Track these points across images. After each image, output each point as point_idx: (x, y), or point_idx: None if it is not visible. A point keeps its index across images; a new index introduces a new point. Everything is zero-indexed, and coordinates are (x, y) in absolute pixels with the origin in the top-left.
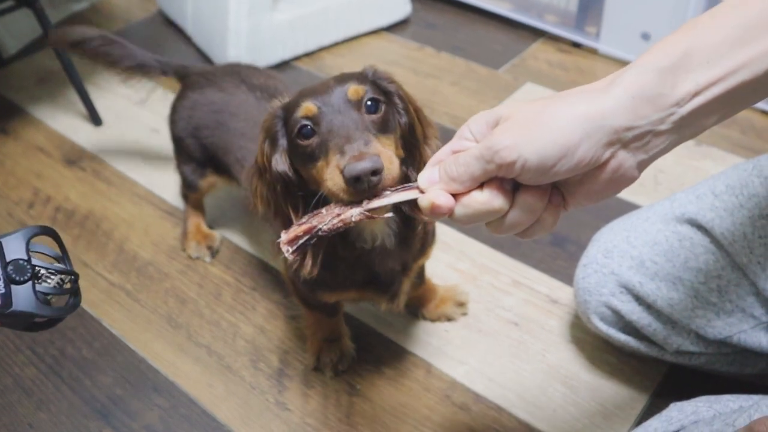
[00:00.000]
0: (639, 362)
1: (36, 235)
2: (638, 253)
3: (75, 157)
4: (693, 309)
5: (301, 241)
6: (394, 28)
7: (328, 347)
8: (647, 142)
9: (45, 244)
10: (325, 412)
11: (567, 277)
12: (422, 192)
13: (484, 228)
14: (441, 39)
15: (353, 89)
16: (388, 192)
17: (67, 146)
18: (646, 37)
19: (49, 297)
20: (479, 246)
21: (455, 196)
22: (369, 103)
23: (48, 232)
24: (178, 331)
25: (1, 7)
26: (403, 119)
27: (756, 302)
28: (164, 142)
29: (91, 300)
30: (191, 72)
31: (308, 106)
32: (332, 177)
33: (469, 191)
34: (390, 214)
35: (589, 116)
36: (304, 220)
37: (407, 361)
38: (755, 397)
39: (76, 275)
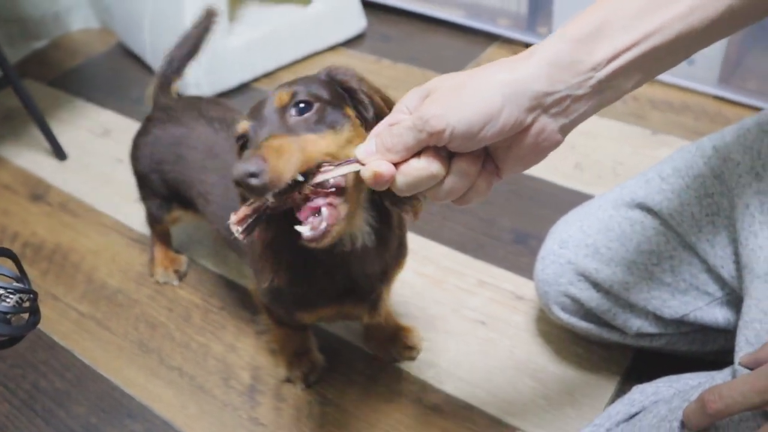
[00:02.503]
0: (605, 350)
1: None
2: (593, 240)
3: (41, 192)
4: (649, 291)
5: (250, 220)
6: (350, 43)
7: (298, 360)
8: (567, 106)
9: (3, 265)
10: (298, 425)
11: (531, 273)
12: (362, 165)
13: (448, 231)
14: (397, 50)
15: (278, 98)
16: (330, 167)
17: (32, 182)
18: None
19: (8, 316)
20: (443, 249)
21: (396, 166)
22: (300, 105)
23: (6, 253)
24: (150, 355)
25: None
26: (370, 111)
27: (709, 279)
28: (128, 172)
29: (61, 331)
30: (157, 104)
31: (242, 124)
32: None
33: (407, 160)
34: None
35: (510, 82)
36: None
37: (376, 368)
38: (713, 373)
39: (35, 293)
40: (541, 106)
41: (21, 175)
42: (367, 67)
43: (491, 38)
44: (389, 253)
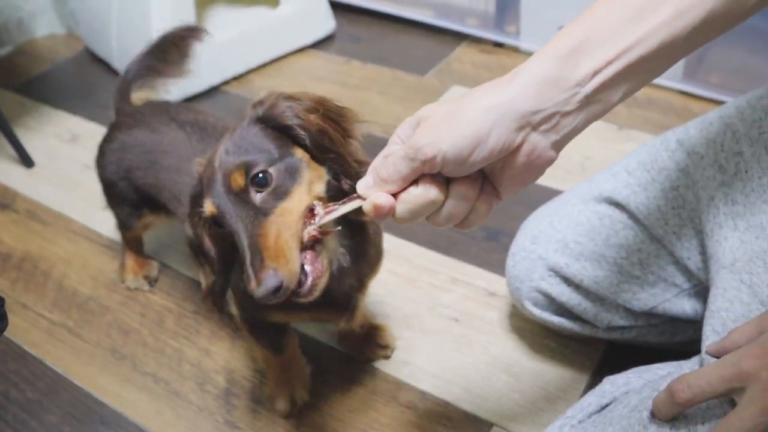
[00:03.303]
0: (578, 344)
1: None
2: (562, 235)
3: (8, 201)
4: (618, 284)
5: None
6: (320, 44)
7: (280, 391)
8: (556, 123)
9: None
10: (275, 426)
11: (503, 270)
12: (363, 199)
13: (421, 230)
14: (366, 51)
15: (233, 180)
16: (334, 207)
17: None
18: None
19: None
20: (416, 248)
21: (394, 196)
22: (257, 179)
23: None
24: (123, 362)
25: None
26: (308, 143)
27: (676, 271)
28: (97, 178)
29: (32, 341)
30: (121, 111)
31: (210, 208)
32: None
33: (406, 189)
34: (338, 228)
35: (496, 105)
36: None
37: (352, 368)
38: (681, 363)
39: (2, 299)
40: (529, 124)
41: None
42: (336, 68)
43: (460, 37)
44: (367, 265)
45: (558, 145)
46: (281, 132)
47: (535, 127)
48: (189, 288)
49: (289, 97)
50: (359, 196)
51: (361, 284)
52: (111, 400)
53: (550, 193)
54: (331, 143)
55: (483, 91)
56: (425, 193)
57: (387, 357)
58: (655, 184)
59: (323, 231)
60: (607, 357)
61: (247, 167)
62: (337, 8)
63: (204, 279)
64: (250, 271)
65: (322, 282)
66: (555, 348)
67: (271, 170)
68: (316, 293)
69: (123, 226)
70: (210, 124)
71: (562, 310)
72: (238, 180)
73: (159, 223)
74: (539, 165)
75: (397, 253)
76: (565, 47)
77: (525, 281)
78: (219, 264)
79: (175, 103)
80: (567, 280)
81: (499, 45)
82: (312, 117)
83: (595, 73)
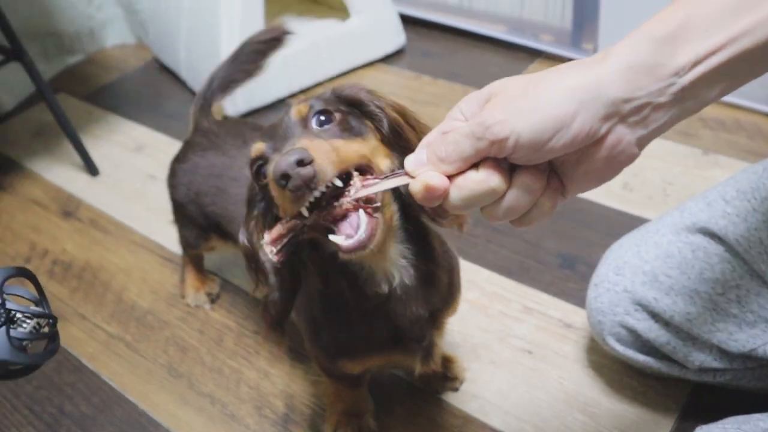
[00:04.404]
0: (662, 384)
1: (11, 276)
2: (651, 267)
3: (72, 209)
4: (713, 322)
5: (285, 240)
6: (389, 58)
7: (347, 421)
8: (646, 115)
9: (22, 286)
10: None
11: (580, 300)
12: (412, 177)
13: (491, 255)
14: (437, 66)
15: (296, 110)
16: (375, 180)
17: (63, 198)
18: None
19: (24, 343)
20: (487, 273)
21: (449, 179)
22: (319, 116)
23: (24, 273)
24: (180, 380)
25: None
26: (384, 123)
27: None
28: (161, 188)
29: (89, 353)
30: (198, 128)
31: (257, 147)
32: (273, 191)
33: (463, 172)
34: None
35: (585, 86)
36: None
37: (418, 398)
38: None
39: (54, 318)
40: (618, 114)
41: (52, 191)
42: (406, 84)
43: (534, 54)
44: (437, 294)
45: (643, 142)
46: (356, 108)
47: (623, 118)
48: (250, 306)
49: (371, 89)
50: (407, 173)
51: (434, 319)
52: (166, 420)
53: (629, 219)
54: (407, 138)
55: (569, 68)
56: (486, 179)
57: (455, 389)
58: (757, 215)
59: (358, 205)
60: (695, 400)
61: (312, 104)
62: (408, 22)
63: (258, 292)
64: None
65: (378, 236)
66: (637, 387)
67: (336, 114)
68: (371, 246)
69: (186, 243)
70: None
71: (648, 347)
72: (302, 109)
73: (225, 249)
74: (620, 162)
75: (467, 278)
76: (663, 30)
77: (608, 315)
78: (278, 280)
79: (252, 123)
80: (655, 316)
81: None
82: (390, 110)
83: (696, 64)
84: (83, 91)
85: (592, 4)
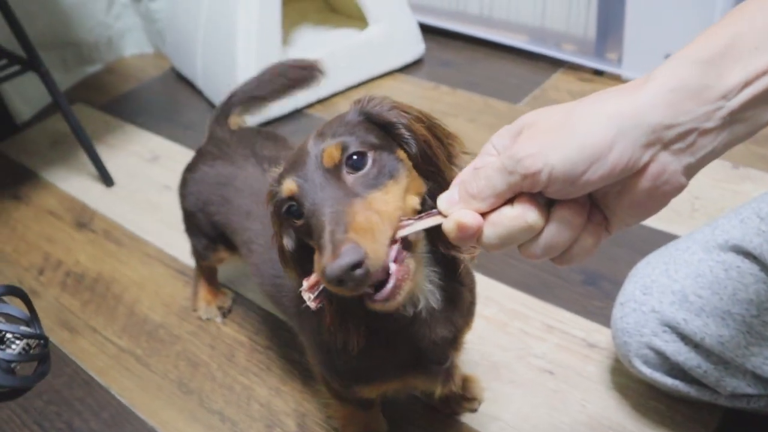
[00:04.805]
0: (691, 408)
1: (2, 295)
2: (680, 287)
3: (86, 220)
4: (747, 346)
5: (321, 287)
6: (408, 68)
7: None
8: (692, 142)
9: (13, 304)
10: None
11: (604, 318)
12: (445, 216)
13: (511, 270)
14: (456, 76)
15: (327, 155)
16: (410, 221)
17: (78, 208)
18: None
19: (12, 365)
20: (506, 289)
21: (483, 216)
22: (353, 159)
23: (15, 292)
24: (190, 397)
25: (7, 72)
26: (413, 149)
27: None
28: (175, 199)
29: (99, 367)
30: (212, 137)
31: (289, 186)
32: (321, 275)
33: (498, 209)
34: (419, 251)
35: (623, 113)
36: None
37: (435, 419)
38: None
39: (46, 339)
40: (660, 141)
41: (67, 201)
42: (424, 93)
43: (557, 64)
44: (460, 315)
45: (691, 171)
46: (384, 130)
47: (666, 145)
48: (263, 321)
49: (396, 103)
50: (440, 213)
51: (454, 339)
52: None
53: (655, 235)
54: (436, 159)
55: (607, 95)
56: (522, 215)
57: (474, 410)
58: None
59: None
60: (726, 425)
61: (344, 145)
62: (427, 32)
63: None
64: (327, 241)
65: (407, 286)
66: (664, 411)
67: (370, 155)
68: (399, 298)
69: (198, 255)
70: None
71: (677, 371)
72: (334, 154)
73: (234, 260)
74: (665, 192)
75: (486, 294)
76: (709, 51)
77: (635, 336)
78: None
79: (265, 132)
80: (685, 338)
81: (598, 73)
82: (418, 126)
83: (746, 85)
84: (100, 100)
85: (617, 12)
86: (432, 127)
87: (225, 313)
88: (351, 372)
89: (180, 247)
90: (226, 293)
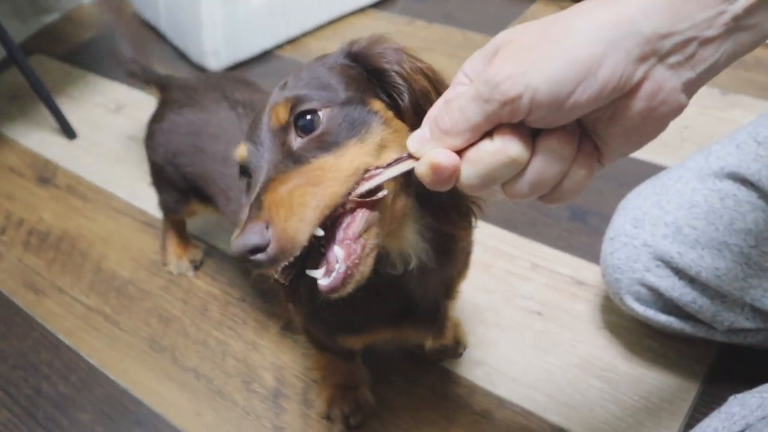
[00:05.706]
0: (685, 345)
1: None
2: (673, 218)
3: (48, 175)
4: (745, 278)
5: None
6: (381, 4)
7: (342, 395)
8: (692, 53)
9: None
10: None
11: (592, 255)
12: (417, 159)
13: (493, 207)
14: (431, 10)
15: (274, 114)
16: (379, 170)
17: (39, 164)
18: None
19: None
20: (490, 228)
21: (459, 154)
22: (305, 119)
23: None
24: (162, 354)
25: None
26: (406, 97)
27: None
28: (142, 149)
29: (67, 328)
30: (173, 84)
31: (241, 150)
32: None
33: (475, 144)
34: (383, 193)
35: (613, 22)
36: None
37: (417, 367)
38: None
39: None
40: (655, 53)
41: (28, 157)
42: (399, 29)
43: None
44: (456, 268)
45: (691, 88)
46: (370, 76)
47: (662, 58)
48: (236, 272)
49: (400, 47)
50: (411, 156)
51: (447, 289)
52: (149, 399)
53: (643, 167)
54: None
55: (592, 3)
56: (503, 148)
57: (458, 356)
58: None
59: (363, 201)
60: (722, 361)
61: (294, 101)
62: None
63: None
64: (243, 215)
65: (360, 273)
66: (657, 349)
67: (322, 113)
68: (348, 288)
69: (168, 210)
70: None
71: (671, 307)
72: (281, 114)
73: (206, 213)
74: (663, 114)
75: None
76: None
77: (626, 272)
78: None
79: (234, 76)
80: (679, 272)
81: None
82: (419, 77)
83: None
84: (60, 50)
85: None
86: (438, 83)
87: (197, 267)
88: (337, 322)
89: (148, 200)
90: (198, 245)
